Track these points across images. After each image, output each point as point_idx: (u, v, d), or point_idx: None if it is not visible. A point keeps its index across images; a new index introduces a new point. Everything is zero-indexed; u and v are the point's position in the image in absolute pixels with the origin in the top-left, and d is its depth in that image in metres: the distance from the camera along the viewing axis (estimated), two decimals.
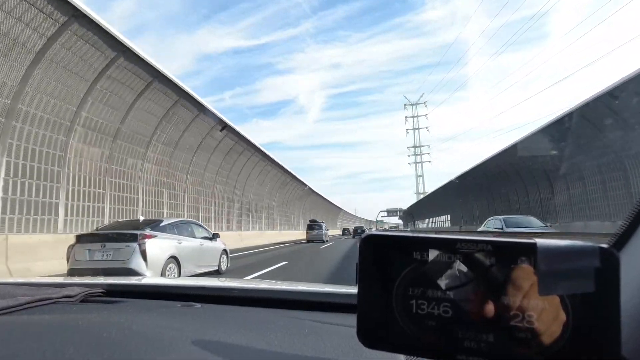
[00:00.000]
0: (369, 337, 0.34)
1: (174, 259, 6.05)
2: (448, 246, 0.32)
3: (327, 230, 28.92)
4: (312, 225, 26.22)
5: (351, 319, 0.41)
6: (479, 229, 14.36)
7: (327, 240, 25.76)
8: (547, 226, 12.10)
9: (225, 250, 8.09)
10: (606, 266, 0.28)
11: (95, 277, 1.18)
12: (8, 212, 8.08)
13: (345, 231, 49.86)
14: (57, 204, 9.43)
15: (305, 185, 31.96)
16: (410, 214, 79.76)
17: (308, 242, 24.40)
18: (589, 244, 0.29)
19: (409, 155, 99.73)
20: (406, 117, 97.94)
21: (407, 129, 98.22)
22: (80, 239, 5.72)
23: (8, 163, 8.16)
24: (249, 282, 1.15)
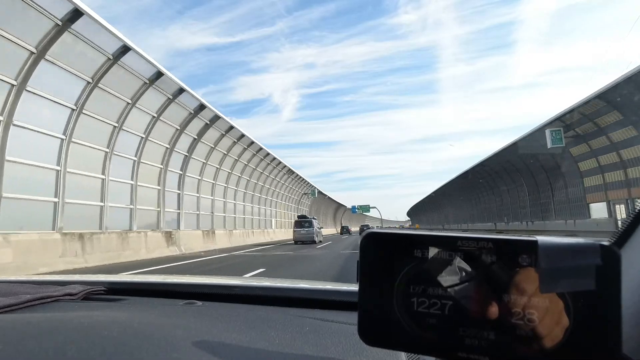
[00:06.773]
0: (370, 334, 0.34)
1: None
2: (449, 244, 0.32)
3: (321, 228, 24.27)
4: (300, 223, 21.42)
5: (352, 317, 0.41)
6: None
7: (320, 241, 21.34)
8: None
9: None
10: (607, 264, 0.28)
11: (96, 275, 1.19)
12: None
13: (344, 230, 48.65)
14: None
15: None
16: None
17: (296, 243, 20.17)
18: (590, 241, 0.29)
19: None
20: None
21: None
22: None
23: None
24: (251, 280, 1.15)
